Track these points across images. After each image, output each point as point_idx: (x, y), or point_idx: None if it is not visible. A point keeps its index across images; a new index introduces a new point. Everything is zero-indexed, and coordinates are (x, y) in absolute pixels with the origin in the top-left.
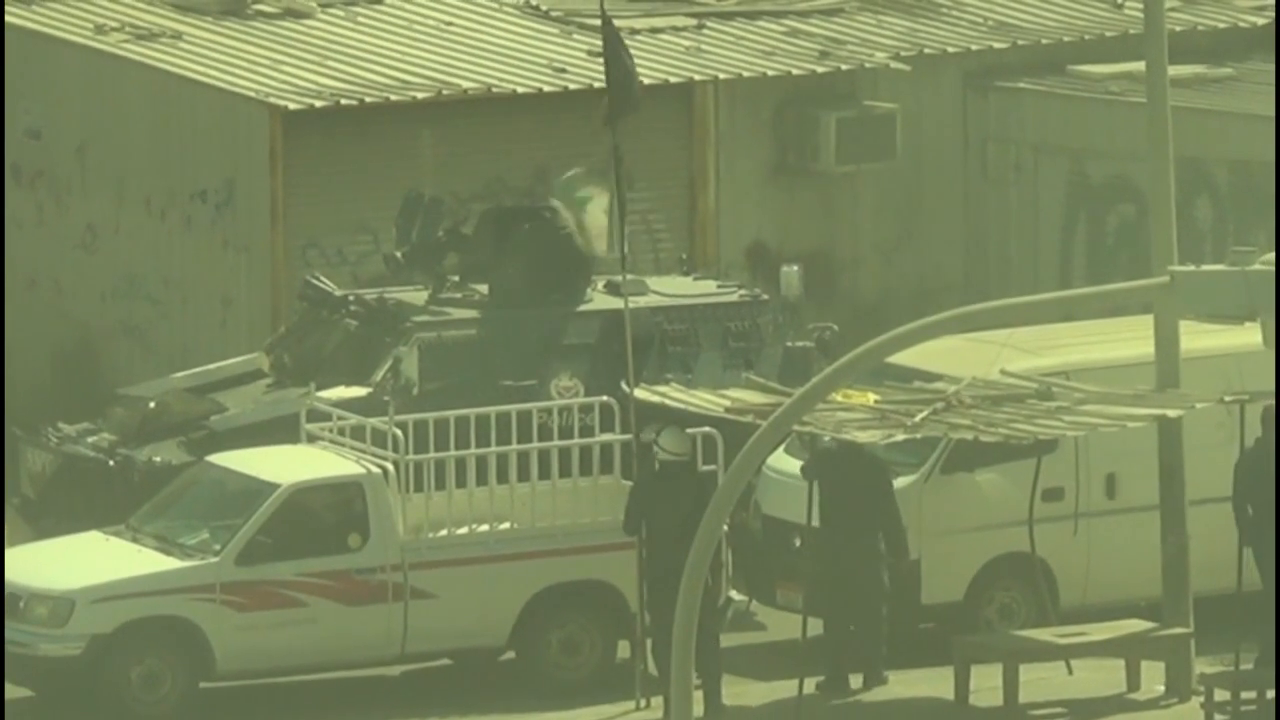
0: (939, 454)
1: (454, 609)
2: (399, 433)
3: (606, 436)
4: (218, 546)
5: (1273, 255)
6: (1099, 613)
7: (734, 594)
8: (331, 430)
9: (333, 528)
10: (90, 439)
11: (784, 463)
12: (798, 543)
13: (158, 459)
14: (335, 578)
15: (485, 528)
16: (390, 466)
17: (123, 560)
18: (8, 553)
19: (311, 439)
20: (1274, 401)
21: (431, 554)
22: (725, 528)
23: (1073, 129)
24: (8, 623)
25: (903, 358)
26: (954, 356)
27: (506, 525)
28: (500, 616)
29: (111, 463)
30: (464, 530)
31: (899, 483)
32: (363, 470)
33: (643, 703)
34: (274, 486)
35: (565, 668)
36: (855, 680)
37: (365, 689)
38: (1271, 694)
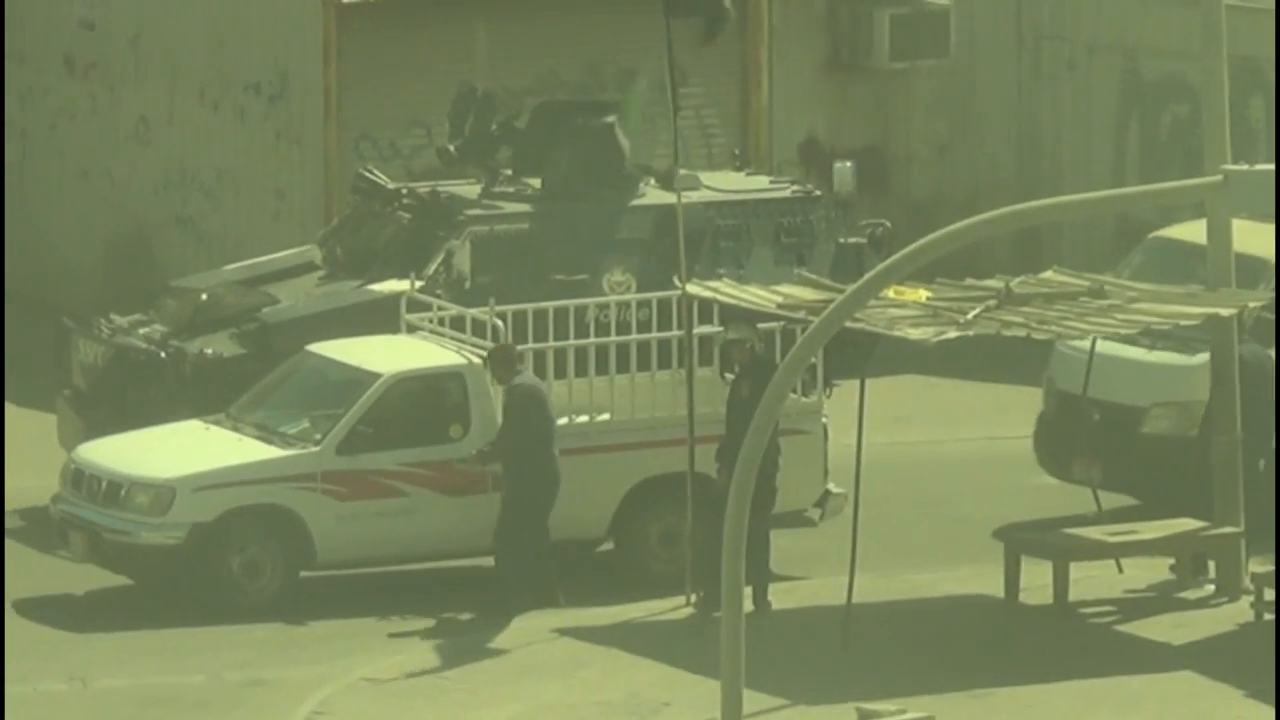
0: None
1: None
2: (499, 323)
3: (705, 329)
4: (319, 436)
5: None
6: None
7: (832, 486)
8: (431, 320)
9: (434, 418)
10: (142, 330)
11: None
12: (1096, 417)
13: (209, 351)
14: (436, 468)
15: (584, 419)
16: None
17: (224, 449)
18: (107, 440)
19: (411, 329)
20: None
21: None
22: (824, 420)
23: (1127, 27)
24: (109, 511)
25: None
26: None
27: (605, 416)
28: (599, 507)
29: (163, 354)
30: (563, 421)
31: None
32: (464, 360)
33: (692, 598)
34: (375, 376)
35: (663, 559)
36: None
37: (464, 579)
38: None
